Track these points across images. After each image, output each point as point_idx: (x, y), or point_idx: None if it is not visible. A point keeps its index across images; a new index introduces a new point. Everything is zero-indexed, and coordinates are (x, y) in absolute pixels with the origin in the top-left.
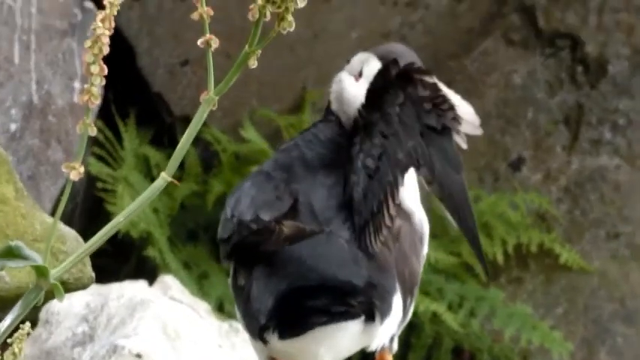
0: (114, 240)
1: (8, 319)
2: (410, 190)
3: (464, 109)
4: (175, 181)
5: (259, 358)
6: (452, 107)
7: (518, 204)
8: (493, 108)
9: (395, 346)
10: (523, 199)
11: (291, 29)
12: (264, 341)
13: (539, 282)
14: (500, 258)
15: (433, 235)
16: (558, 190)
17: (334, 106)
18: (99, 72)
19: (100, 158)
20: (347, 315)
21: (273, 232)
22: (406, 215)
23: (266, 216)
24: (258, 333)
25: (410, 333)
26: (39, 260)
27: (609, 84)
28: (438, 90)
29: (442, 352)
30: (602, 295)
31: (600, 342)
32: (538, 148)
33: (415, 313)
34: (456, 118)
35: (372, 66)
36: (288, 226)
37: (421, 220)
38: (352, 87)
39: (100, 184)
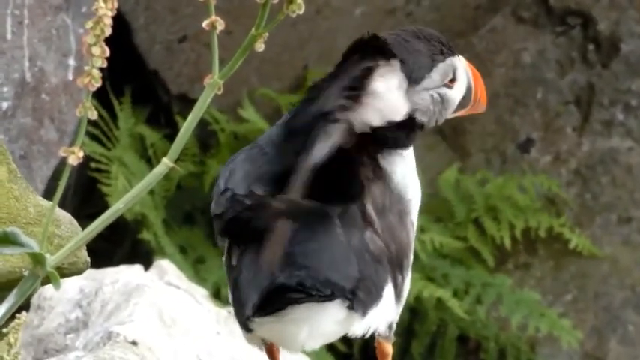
0: None
1: (3, 308)
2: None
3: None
4: (177, 167)
5: (252, 344)
6: (347, 104)
7: (527, 187)
8: (501, 88)
9: (393, 334)
10: (532, 181)
11: (300, 12)
12: (249, 330)
13: (548, 268)
14: (507, 243)
15: (438, 219)
16: (568, 173)
17: (427, 122)
18: (100, 54)
19: (94, 138)
20: (325, 296)
21: (267, 207)
22: (385, 181)
23: (259, 190)
24: (243, 323)
25: (413, 320)
26: (35, 247)
27: (622, 63)
28: (366, 76)
29: (447, 340)
30: (613, 281)
31: (611, 330)
32: (548, 129)
33: (419, 300)
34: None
35: (460, 68)
36: (281, 201)
37: (406, 185)
38: (453, 93)
39: (93, 164)
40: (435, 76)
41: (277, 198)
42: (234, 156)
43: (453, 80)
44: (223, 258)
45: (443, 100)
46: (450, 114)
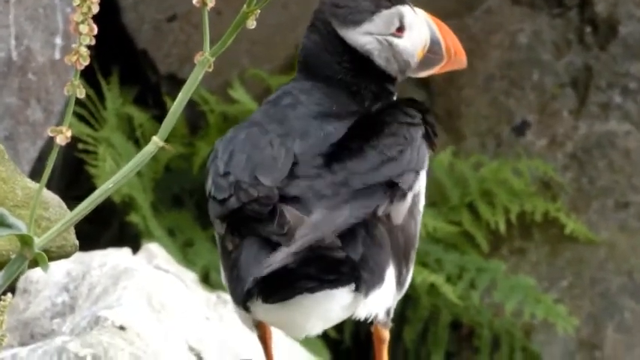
0: None
1: None
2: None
3: None
4: (168, 146)
5: (245, 325)
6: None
7: (522, 171)
8: (497, 69)
9: (390, 321)
10: (527, 165)
11: None
12: (247, 309)
13: (544, 253)
14: (502, 227)
15: (431, 203)
16: (564, 157)
17: (386, 67)
18: (88, 32)
19: (81, 118)
20: (335, 282)
21: (276, 212)
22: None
23: (265, 180)
24: (241, 300)
25: (406, 306)
26: (23, 229)
27: (620, 46)
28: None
29: (439, 327)
30: (610, 267)
31: (608, 317)
32: (543, 112)
33: (412, 285)
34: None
35: (409, 16)
36: (292, 215)
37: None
38: (402, 42)
39: (80, 145)
40: (378, 21)
41: (287, 209)
42: (232, 134)
43: (401, 29)
44: (217, 240)
45: (393, 48)
46: (416, 65)
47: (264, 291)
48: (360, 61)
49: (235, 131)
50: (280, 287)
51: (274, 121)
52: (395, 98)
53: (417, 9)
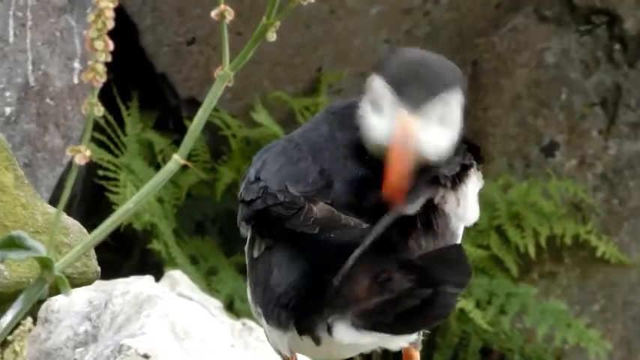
0: (116, 233)
1: (10, 315)
2: None
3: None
4: (189, 163)
5: (276, 345)
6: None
7: (552, 192)
8: (524, 89)
9: (420, 341)
10: (557, 187)
11: (312, 0)
12: (285, 329)
13: (575, 276)
14: (532, 251)
15: None
16: (594, 178)
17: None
18: (103, 48)
19: (100, 144)
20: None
21: (303, 209)
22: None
23: (294, 189)
24: (282, 323)
25: (435, 332)
26: (42, 251)
27: None
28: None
29: (469, 353)
30: None
31: None
32: (572, 132)
33: None
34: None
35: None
36: (320, 209)
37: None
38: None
39: (100, 172)
40: None
41: (316, 203)
42: (268, 146)
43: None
44: (245, 247)
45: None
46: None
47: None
48: None
49: (272, 145)
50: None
51: (307, 143)
52: None
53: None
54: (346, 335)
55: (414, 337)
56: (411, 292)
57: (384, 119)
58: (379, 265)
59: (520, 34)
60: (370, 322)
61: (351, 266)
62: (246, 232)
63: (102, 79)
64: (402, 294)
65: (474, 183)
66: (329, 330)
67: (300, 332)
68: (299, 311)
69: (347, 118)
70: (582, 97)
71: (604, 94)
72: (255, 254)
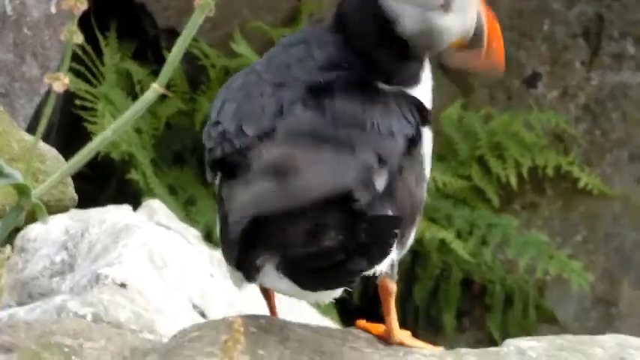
0: (93, 163)
1: None
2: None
3: None
4: (168, 92)
5: (233, 280)
6: None
7: (533, 123)
8: (506, 19)
9: (396, 273)
10: (538, 118)
11: None
12: (251, 278)
13: (556, 208)
14: (513, 182)
15: (440, 158)
16: (577, 109)
17: (415, 39)
18: None
19: (78, 74)
20: (383, 254)
21: (254, 152)
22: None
23: (249, 129)
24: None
25: (415, 263)
26: (19, 178)
27: None
28: None
29: (450, 284)
30: (625, 221)
31: (623, 272)
32: (555, 63)
33: (421, 242)
34: None
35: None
36: (268, 151)
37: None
38: (442, 20)
39: (78, 102)
40: None
41: (265, 146)
42: (231, 81)
43: (446, 7)
44: (215, 188)
45: (428, 21)
46: (450, 50)
47: (299, 278)
48: (383, 26)
49: (234, 78)
50: (324, 276)
51: (275, 69)
52: (424, 75)
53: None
54: (269, 278)
55: (333, 296)
56: (329, 252)
57: (458, 15)
58: (319, 219)
59: None
60: (290, 270)
61: (294, 214)
62: (210, 177)
63: (82, 6)
64: (322, 250)
65: (428, 140)
66: (257, 270)
67: (237, 268)
68: (240, 249)
69: (321, 44)
70: (565, 28)
71: (587, 25)
72: (224, 194)
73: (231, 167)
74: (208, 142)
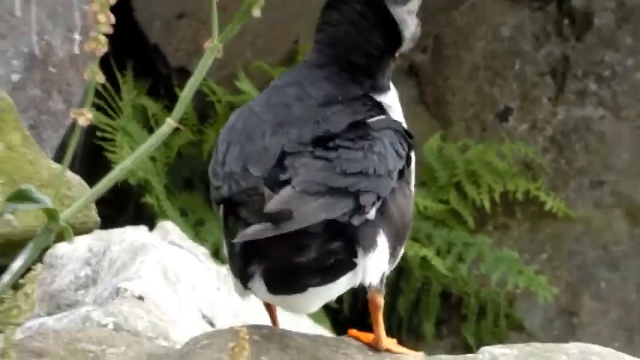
0: (113, 188)
1: (20, 260)
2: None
3: None
4: (181, 126)
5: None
6: None
7: (505, 153)
8: (481, 60)
9: (384, 287)
10: (510, 148)
11: None
12: (248, 288)
13: (525, 229)
14: (487, 205)
15: (422, 183)
16: (544, 140)
17: (406, 44)
18: (105, 20)
19: (99, 108)
20: (340, 273)
21: (258, 196)
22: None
23: (255, 170)
24: (242, 283)
25: (400, 278)
26: (48, 203)
27: (595, 37)
28: None
29: (431, 296)
30: (586, 241)
31: (584, 286)
32: (525, 99)
33: (405, 259)
34: None
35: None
36: (271, 201)
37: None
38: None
39: (99, 134)
40: (416, 2)
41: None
42: (231, 122)
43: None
44: (221, 220)
45: (418, 28)
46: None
47: (267, 280)
48: (392, 37)
49: (235, 119)
50: (284, 279)
51: (275, 109)
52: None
53: None
54: (254, 283)
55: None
56: (294, 261)
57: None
58: (303, 235)
59: (478, 10)
60: (269, 279)
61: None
62: (218, 211)
63: (103, 48)
64: (291, 264)
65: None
66: (248, 279)
67: (235, 276)
68: (240, 260)
69: (314, 82)
70: (534, 67)
71: (553, 65)
72: (230, 225)
73: (237, 204)
74: (215, 180)
